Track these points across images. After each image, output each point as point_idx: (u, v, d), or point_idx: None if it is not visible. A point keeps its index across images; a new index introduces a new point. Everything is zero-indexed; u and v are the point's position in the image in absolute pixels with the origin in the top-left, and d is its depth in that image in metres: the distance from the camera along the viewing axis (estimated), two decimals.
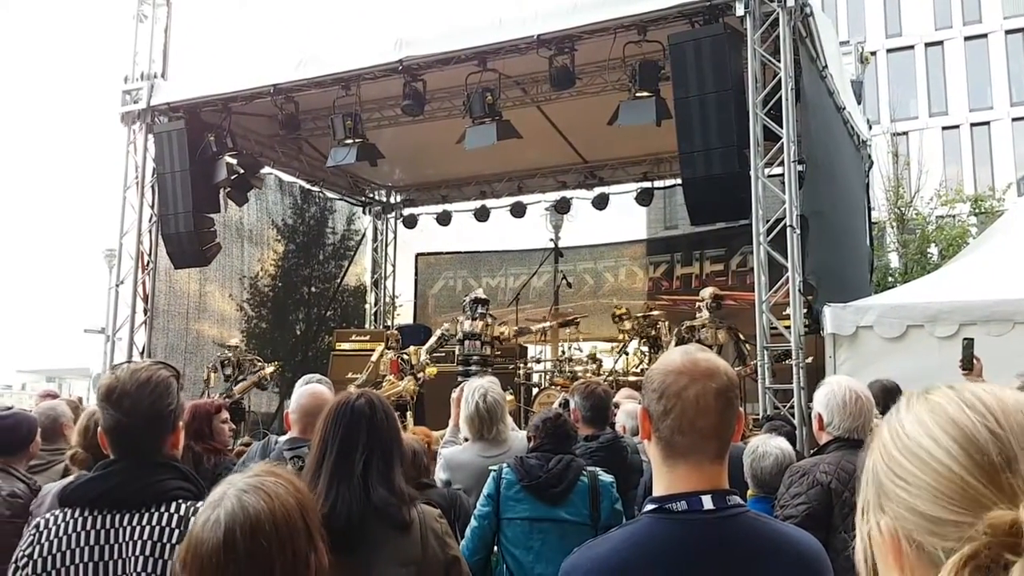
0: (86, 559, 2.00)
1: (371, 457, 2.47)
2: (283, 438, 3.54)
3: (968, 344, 5.06)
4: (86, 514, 2.05)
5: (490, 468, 3.69)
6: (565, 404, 5.36)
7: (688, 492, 1.66)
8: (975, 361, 5.02)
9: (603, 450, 4.42)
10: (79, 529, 2.03)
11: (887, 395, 4.80)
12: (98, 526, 2.03)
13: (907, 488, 0.84)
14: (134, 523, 2.03)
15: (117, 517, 2.04)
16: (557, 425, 3.75)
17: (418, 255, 17.05)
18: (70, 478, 2.62)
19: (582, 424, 4.59)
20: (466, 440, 4.34)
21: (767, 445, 3.98)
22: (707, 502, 1.65)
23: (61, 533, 2.03)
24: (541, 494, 3.53)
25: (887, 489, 0.86)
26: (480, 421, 4.11)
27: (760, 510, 3.20)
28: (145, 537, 2.01)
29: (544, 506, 3.52)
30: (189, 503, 2.06)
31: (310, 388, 3.39)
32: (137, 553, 2.00)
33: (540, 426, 3.76)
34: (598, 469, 3.70)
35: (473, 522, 3.63)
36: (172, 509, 2.05)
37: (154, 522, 2.03)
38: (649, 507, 1.70)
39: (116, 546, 2.01)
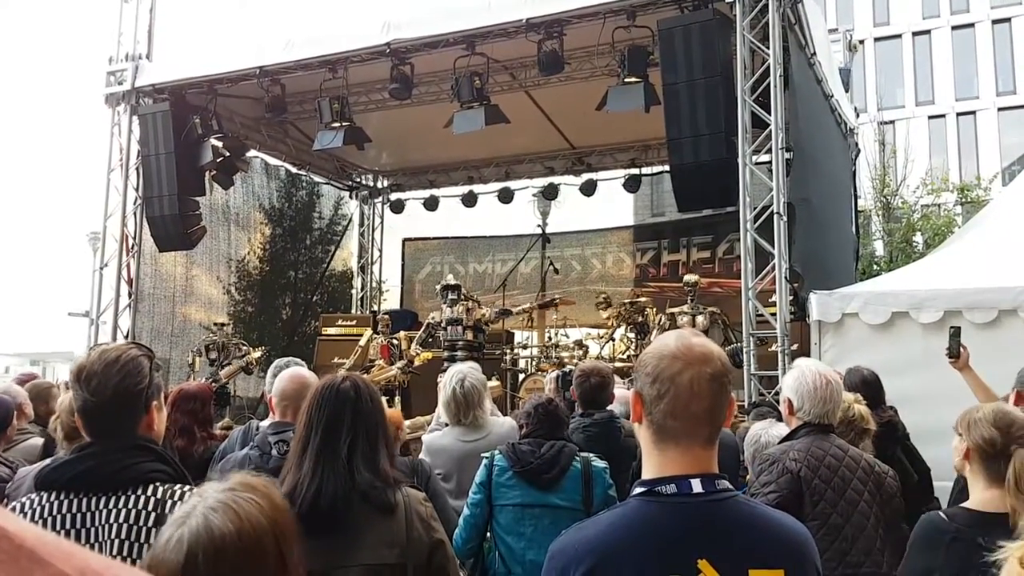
0: None
1: (356, 440, 2.46)
2: (264, 423, 3.52)
3: (955, 332, 5.07)
4: (62, 498, 2.02)
5: (482, 456, 3.69)
6: (566, 376, 5.37)
7: (677, 475, 1.66)
8: (962, 349, 5.04)
9: (596, 427, 4.43)
10: (55, 513, 2.01)
11: (867, 386, 4.81)
12: (74, 510, 2.01)
13: None
14: (110, 506, 2.00)
15: (93, 500, 2.01)
16: (549, 411, 3.75)
17: (405, 240, 17.00)
18: (46, 461, 2.60)
19: (579, 404, 4.62)
20: (446, 425, 4.36)
21: (769, 434, 3.98)
22: (696, 485, 1.65)
23: (37, 517, 2.00)
24: (533, 480, 3.53)
25: None
26: (457, 406, 4.12)
27: None
28: (121, 520, 1.99)
29: (536, 492, 3.53)
30: (166, 486, 2.04)
31: (292, 371, 3.37)
32: (113, 536, 1.98)
33: (532, 412, 3.76)
34: (591, 454, 3.70)
35: (466, 510, 3.63)
36: (149, 492, 2.02)
37: (130, 505, 2.00)
38: (638, 490, 1.70)
39: (92, 530, 1.99)
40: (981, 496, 2.69)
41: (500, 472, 3.52)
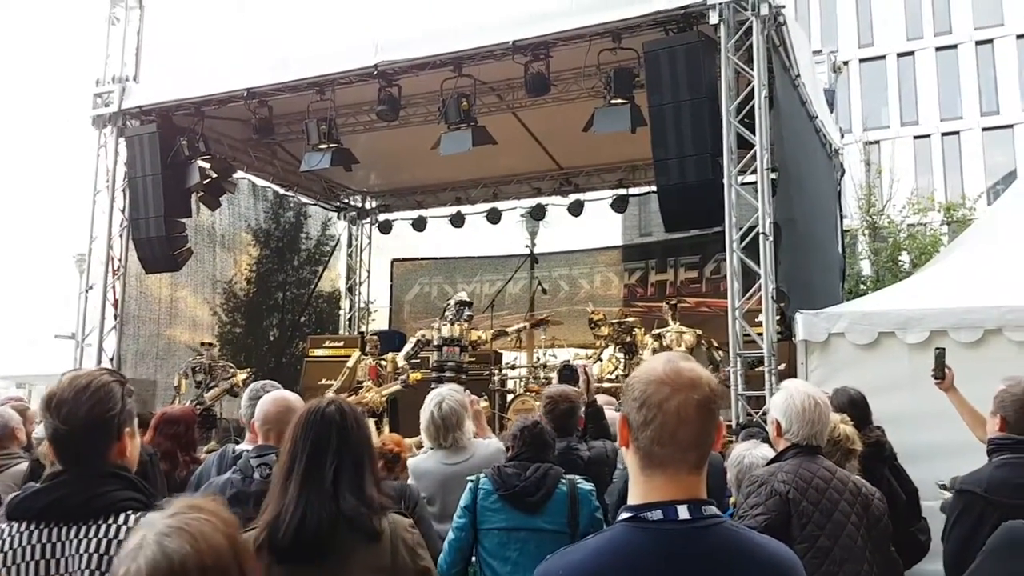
0: (32, 574, 1.94)
1: (342, 465, 2.45)
2: (241, 447, 3.48)
3: (940, 353, 5.08)
4: (32, 528, 1.98)
5: (467, 479, 3.66)
6: (570, 371, 5.34)
7: (664, 501, 1.65)
8: (947, 370, 5.05)
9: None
10: (24, 544, 1.96)
11: (853, 406, 4.82)
12: (44, 540, 1.96)
13: None
14: (80, 536, 1.96)
15: (63, 530, 1.97)
16: (535, 433, 3.72)
17: (393, 261, 16.99)
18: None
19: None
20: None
21: (753, 455, 3.96)
22: (682, 512, 1.64)
23: (7, 548, 1.96)
24: (518, 503, 3.50)
25: None
26: (436, 429, 4.11)
27: None
28: (91, 550, 1.94)
29: (521, 515, 3.50)
30: (139, 514, 1.98)
31: (275, 394, 3.35)
32: (83, 567, 1.94)
33: (518, 435, 3.73)
34: (577, 477, 3.67)
35: (451, 534, 3.61)
36: (120, 521, 1.98)
37: (100, 534, 1.96)
38: (624, 515, 1.69)
39: (61, 560, 1.95)
40: None
41: (485, 495, 3.50)
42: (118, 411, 2.08)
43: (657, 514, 1.64)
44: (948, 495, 4.72)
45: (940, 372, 4.99)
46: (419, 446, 4.80)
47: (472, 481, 3.57)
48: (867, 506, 3.27)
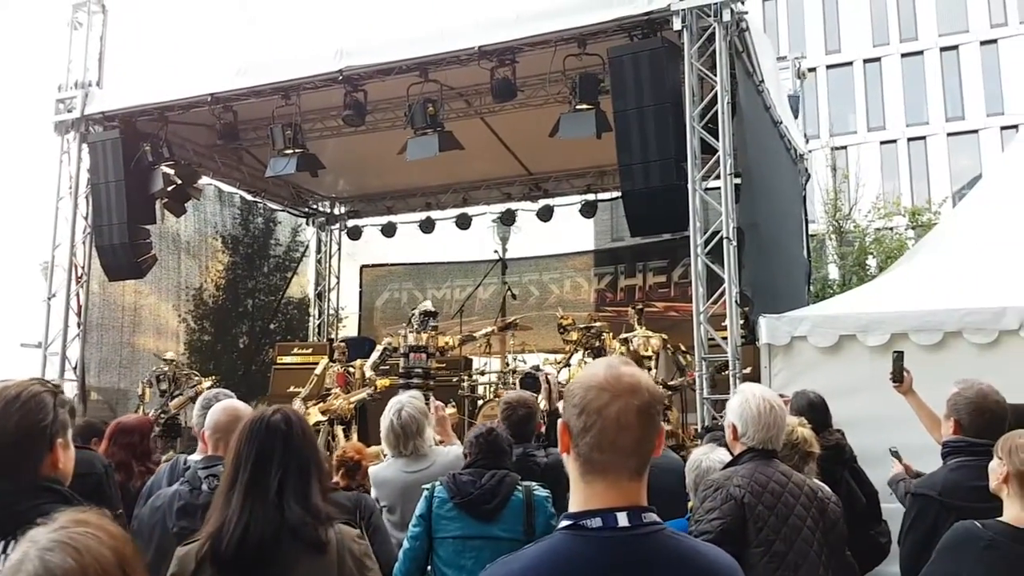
0: None
1: (287, 475, 2.41)
2: (193, 457, 3.43)
3: (898, 357, 5.12)
4: None
5: (422, 487, 3.63)
6: (531, 379, 5.32)
7: (603, 509, 1.64)
8: (905, 373, 5.09)
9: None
10: None
11: (813, 409, 4.84)
12: None
13: None
14: (8, 551, 1.90)
15: None
16: (490, 440, 3.69)
17: (363, 267, 16.90)
18: None
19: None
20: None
21: (710, 459, 3.96)
22: (622, 519, 1.63)
23: None
24: (473, 511, 3.47)
25: None
26: (395, 437, 4.08)
27: None
28: None
29: (477, 523, 3.47)
30: None
31: (225, 403, 3.29)
32: None
33: (474, 441, 3.71)
34: (534, 483, 3.65)
35: (405, 543, 3.57)
36: None
37: None
38: (564, 523, 1.68)
39: None
40: (1019, 514, 2.99)
41: (440, 504, 3.46)
42: (49, 422, 2.04)
43: (596, 521, 1.63)
44: (898, 464, 4.78)
45: (898, 375, 5.02)
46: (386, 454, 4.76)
47: (427, 489, 3.53)
48: (823, 510, 3.28)
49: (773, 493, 3.20)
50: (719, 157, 7.86)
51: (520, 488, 3.52)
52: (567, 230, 15.16)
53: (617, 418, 1.63)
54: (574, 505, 1.69)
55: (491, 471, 3.51)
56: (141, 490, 4.14)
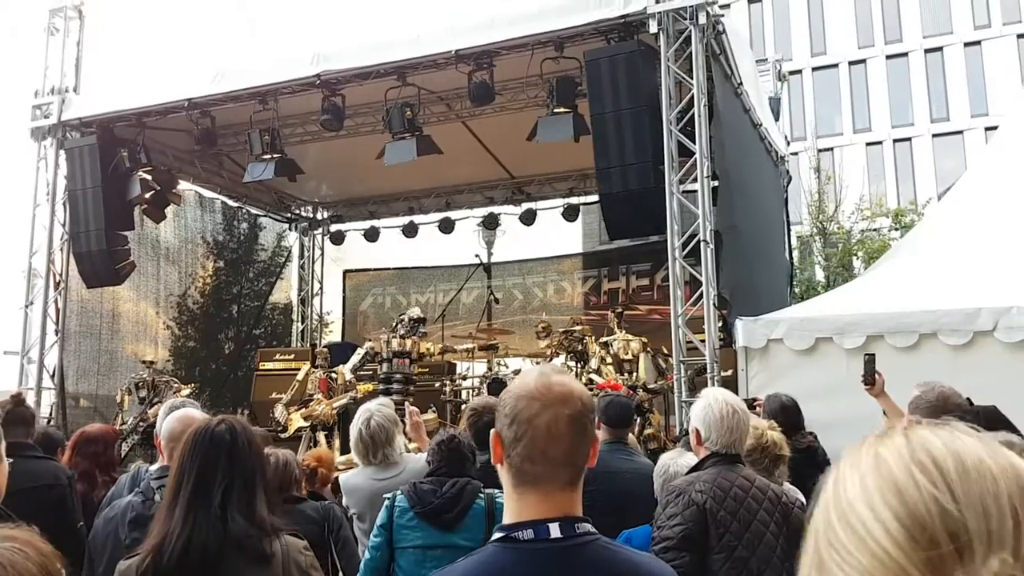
0: None
1: (231, 486, 2.37)
2: (154, 466, 3.38)
3: (870, 359, 5.10)
4: None
5: (384, 496, 3.58)
6: (498, 383, 5.26)
7: (536, 520, 1.61)
8: (877, 376, 5.07)
9: (481, 469, 4.32)
10: None
11: (784, 412, 4.83)
12: None
13: (841, 565, 0.71)
14: None
15: None
16: (452, 448, 3.64)
17: (346, 272, 16.83)
18: None
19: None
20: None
21: (677, 464, 3.93)
22: (554, 530, 1.60)
23: None
24: (434, 520, 3.41)
25: (823, 559, 0.73)
26: (365, 446, 4.02)
27: None
28: None
29: (438, 532, 3.41)
30: None
31: (181, 412, 3.24)
32: None
33: (436, 449, 3.65)
34: (496, 491, 3.60)
35: (366, 553, 3.52)
36: None
37: None
38: (496, 535, 1.65)
39: None
40: None
41: (401, 513, 3.41)
42: None
43: (528, 533, 1.60)
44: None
45: (870, 378, 5.00)
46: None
47: (388, 499, 3.48)
48: (787, 515, 3.26)
49: (735, 498, 3.17)
50: (696, 160, 7.84)
51: (482, 496, 3.47)
52: (553, 234, 15.14)
53: (548, 428, 1.60)
54: (507, 517, 1.66)
55: (453, 479, 3.46)
56: (101, 500, 4.10)
